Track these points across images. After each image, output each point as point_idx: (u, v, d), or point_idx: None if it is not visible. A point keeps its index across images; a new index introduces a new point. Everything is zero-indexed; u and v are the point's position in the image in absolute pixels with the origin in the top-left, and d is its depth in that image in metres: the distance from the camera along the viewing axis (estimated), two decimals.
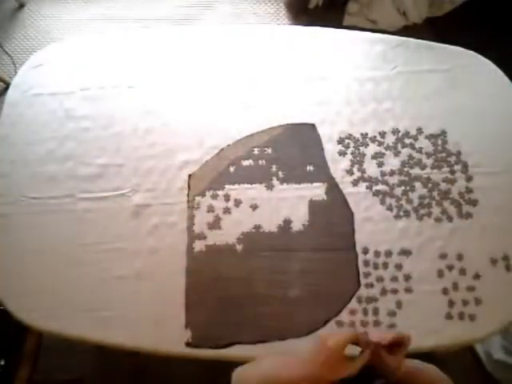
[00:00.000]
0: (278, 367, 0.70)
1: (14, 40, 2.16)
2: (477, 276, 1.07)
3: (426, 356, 1.20)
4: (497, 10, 1.92)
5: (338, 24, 2.01)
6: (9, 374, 1.26)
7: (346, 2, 2.02)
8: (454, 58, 1.32)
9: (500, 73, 1.30)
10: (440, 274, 1.08)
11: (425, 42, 1.35)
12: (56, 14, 2.23)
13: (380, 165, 1.19)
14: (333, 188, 1.16)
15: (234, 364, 0.73)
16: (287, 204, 1.15)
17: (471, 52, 1.33)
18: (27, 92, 1.25)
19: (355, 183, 1.17)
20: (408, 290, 1.06)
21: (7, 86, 1.37)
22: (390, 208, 1.14)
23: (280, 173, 1.18)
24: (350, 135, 1.22)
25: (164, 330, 1.03)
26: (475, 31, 1.75)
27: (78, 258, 1.09)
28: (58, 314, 1.04)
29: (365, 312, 1.05)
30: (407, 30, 1.97)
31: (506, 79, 1.29)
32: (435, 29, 2.00)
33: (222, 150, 1.20)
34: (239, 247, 1.11)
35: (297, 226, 1.13)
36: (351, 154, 1.20)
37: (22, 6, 2.24)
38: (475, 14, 1.91)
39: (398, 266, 1.08)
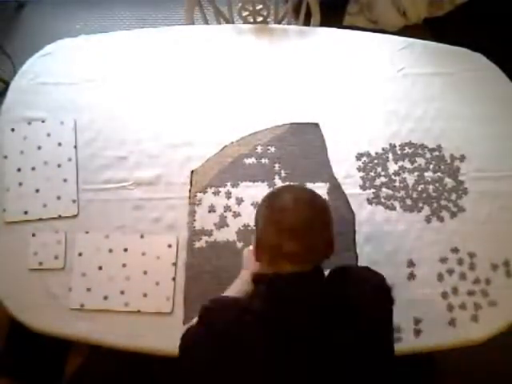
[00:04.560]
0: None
1: (14, 40, 2.12)
2: (477, 281, 1.07)
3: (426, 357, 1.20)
4: (497, 10, 1.92)
5: (338, 24, 2.00)
6: None
7: (346, 2, 2.02)
8: (460, 61, 1.32)
9: (504, 76, 1.30)
10: (440, 277, 1.08)
11: (432, 43, 1.35)
12: (56, 14, 2.21)
13: (382, 166, 1.19)
14: (335, 188, 1.16)
15: None
16: None
17: (477, 54, 1.33)
18: (33, 80, 1.26)
19: (357, 184, 1.17)
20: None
21: (7, 85, 1.37)
22: (391, 210, 1.14)
23: (282, 171, 1.18)
24: (354, 136, 1.21)
25: (164, 330, 1.01)
26: (475, 31, 1.75)
27: None
28: (58, 314, 1.04)
29: None
30: (407, 30, 1.95)
31: (510, 83, 1.29)
32: (435, 29, 1.99)
33: (226, 146, 1.20)
34: (240, 244, 1.11)
35: None
36: (354, 155, 1.20)
37: (21, 6, 2.22)
38: (475, 14, 1.91)
39: (399, 269, 1.08)
